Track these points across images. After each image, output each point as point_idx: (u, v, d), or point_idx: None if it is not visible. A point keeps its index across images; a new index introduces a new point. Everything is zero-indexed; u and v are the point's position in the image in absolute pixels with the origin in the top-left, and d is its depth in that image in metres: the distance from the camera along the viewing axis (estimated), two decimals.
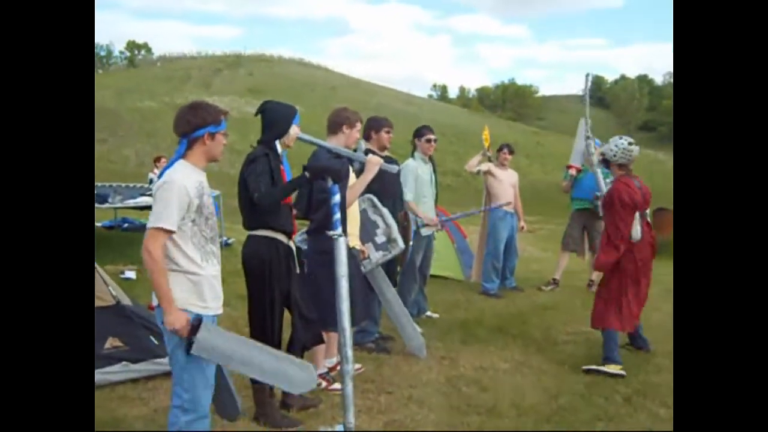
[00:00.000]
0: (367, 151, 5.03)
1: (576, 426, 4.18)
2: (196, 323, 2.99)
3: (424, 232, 6.36)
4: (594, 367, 5.15)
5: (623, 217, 5.08)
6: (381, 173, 4.54)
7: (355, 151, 4.66)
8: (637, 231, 5.17)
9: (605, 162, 5.35)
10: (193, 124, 3.15)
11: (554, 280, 8.75)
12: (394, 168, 4.67)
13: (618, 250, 5.12)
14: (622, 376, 5.02)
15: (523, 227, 8.60)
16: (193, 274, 3.08)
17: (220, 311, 3.26)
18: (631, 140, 5.28)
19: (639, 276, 5.25)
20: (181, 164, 3.16)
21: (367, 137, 5.51)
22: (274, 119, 4.01)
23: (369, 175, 4.41)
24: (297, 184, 3.96)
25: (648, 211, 5.28)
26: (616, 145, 5.22)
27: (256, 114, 4.08)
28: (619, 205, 5.07)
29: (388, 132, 5.61)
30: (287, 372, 3.06)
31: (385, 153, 5.63)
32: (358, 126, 4.69)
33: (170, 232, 3.00)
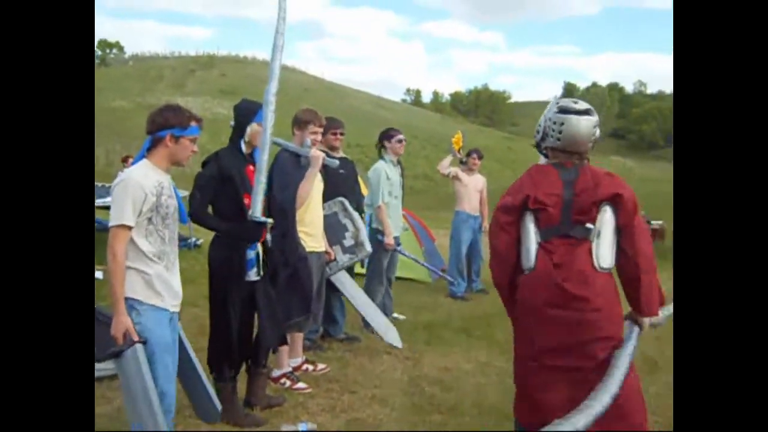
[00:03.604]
0: None
1: None
2: (132, 342, 3.01)
3: (380, 237, 6.38)
4: None
5: (494, 223, 3.19)
6: (331, 175, 4.64)
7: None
8: (527, 252, 3.05)
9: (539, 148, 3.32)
10: (157, 124, 3.17)
11: None
12: (334, 162, 4.73)
13: (494, 254, 3.22)
14: None
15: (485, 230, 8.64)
16: (145, 272, 3.10)
17: (176, 309, 3.27)
18: (568, 104, 3.13)
19: (532, 344, 3.01)
20: (142, 163, 3.19)
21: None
22: (237, 117, 4.04)
23: (315, 169, 4.49)
24: (222, 230, 3.95)
25: (591, 225, 2.98)
26: (543, 116, 3.19)
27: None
28: (500, 205, 3.18)
29: (334, 134, 5.60)
30: None
31: (340, 154, 5.68)
32: (311, 127, 4.65)
33: (130, 227, 3.02)
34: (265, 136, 3.82)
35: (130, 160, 12.90)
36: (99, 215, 11.52)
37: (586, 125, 3.07)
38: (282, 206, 4.33)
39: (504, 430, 4.15)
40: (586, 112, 3.10)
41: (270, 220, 3.91)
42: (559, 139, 3.08)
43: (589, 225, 2.98)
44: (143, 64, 56.99)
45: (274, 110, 3.84)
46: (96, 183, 11.54)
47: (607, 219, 2.98)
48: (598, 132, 3.17)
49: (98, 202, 9.61)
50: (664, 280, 9.51)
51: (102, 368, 4.52)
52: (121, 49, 73.32)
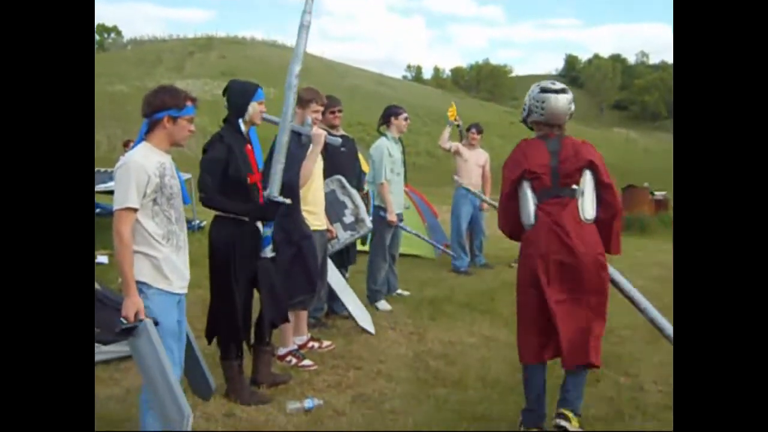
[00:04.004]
0: None
1: None
2: (141, 321, 3.02)
3: (382, 214, 6.42)
4: None
5: (503, 196, 3.78)
6: (332, 153, 4.65)
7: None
8: (526, 212, 3.66)
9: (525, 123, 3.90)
10: (153, 107, 3.17)
11: None
12: (337, 140, 4.74)
13: (502, 215, 3.86)
14: None
15: (483, 207, 8.47)
16: (153, 256, 3.12)
17: (183, 291, 3.30)
18: (547, 85, 3.73)
19: (538, 280, 3.57)
20: (142, 146, 3.20)
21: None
22: (234, 97, 4.04)
23: (317, 147, 4.51)
24: (241, 212, 3.95)
25: (577, 187, 3.62)
26: (527, 95, 3.79)
27: (223, 94, 4.12)
28: (503, 179, 3.77)
29: (332, 112, 5.60)
30: (168, 410, 3.03)
31: (340, 132, 5.69)
32: (313, 106, 4.71)
33: (135, 210, 3.04)
34: (286, 118, 3.88)
35: (131, 145, 12.93)
36: (103, 200, 11.61)
37: (564, 102, 3.66)
38: (286, 185, 4.35)
39: (508, 402, 4.21)
40: (563, 91, 3.68)
41: (288, 201, 3.96)
42: (542, 115, 3.68)
43: (574, 186, 3.62)
44: (141, 48, 56.71)
45: (296, 92, 3.90)
46: (98, 168, 11.59)
47: (587, 181, 3.63)
48: (573, 106, 3.73)
49: (101, 187, 9.64)
50: (668, 250, 9.50)
51: (110, 351, 4.59)
52: (119, 33, 73.13)
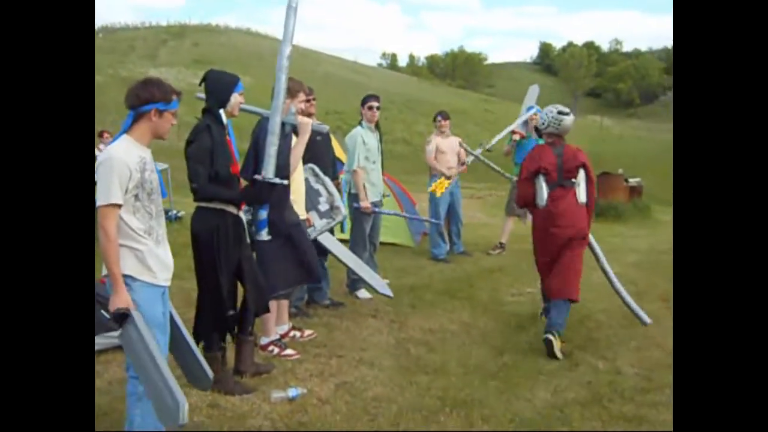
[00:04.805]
0: None
1: (519, 381, 4.38)
2: (130, 313, 3.03)
3: (355, 205, 6.43)
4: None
5: (521, 180, 5.38)
6: (309, 142, 4.68)
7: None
8: (541, 196, 5.24)
9: (538, 132, 5.49)
10: (142, 99, 3.14)
11: (501, 244, 9.00)
12: (324, 128, 4.77)
13: (518, 192, 5.57)
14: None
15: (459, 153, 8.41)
16: (137, 249, 3.11)
17: (167, 283, 3.30)
18: (563, 109, 5.30)
19: (537, 243, 5.33)
20: (123, 139, 3.17)
21: None
22: (215, 88, 4.02)
23: (305, 135, 4.52)
24: (237, 197, 3.98)
25: (575, 180, 5.18)
26: (546, 113, 5.30)
27: (200, 83, 4.09)
28: (522, 169, 5.42)
29: (308, 101, 5.50)
30: (164, 400, 3.00)
31: (315, 120, 5.66)
32: (300, 96, 4.75)
33: (119, 206, 3.02)
34: (279, 98, 3.91)
35: (106, 135, 12.76)
36: None
37: (571, 122, 5.25)
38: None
39: (489, 387, 4.27)
40: (569, 114, 5.27)
41: (286, 182, 4.00)
42: (557, 128, 5.24)
43: (573, 180, 5.18)
44: (113, 36, 55.63)
45: (287, 73, 3.95)
46: None
47: (582, 177, 5.22)
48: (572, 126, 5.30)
49: None
50: (643, 236, 9.81)
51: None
52: None
